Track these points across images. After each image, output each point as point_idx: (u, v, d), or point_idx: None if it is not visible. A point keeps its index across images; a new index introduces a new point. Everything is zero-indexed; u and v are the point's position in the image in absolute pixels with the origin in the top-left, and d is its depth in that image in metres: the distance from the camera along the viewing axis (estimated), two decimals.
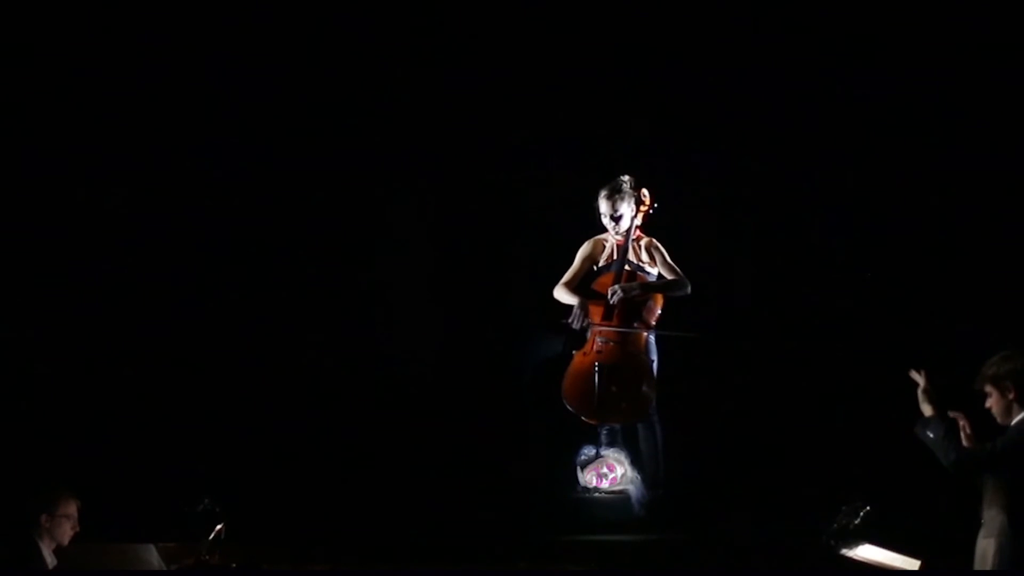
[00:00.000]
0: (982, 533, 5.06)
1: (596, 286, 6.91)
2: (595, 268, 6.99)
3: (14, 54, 7.51)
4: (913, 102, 7.58)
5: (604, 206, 6.90)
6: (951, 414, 5.17)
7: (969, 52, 7.49)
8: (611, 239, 6.98)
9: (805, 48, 7.63)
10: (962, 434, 5.15)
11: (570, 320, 6.82)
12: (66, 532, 5.69)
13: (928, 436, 5.12)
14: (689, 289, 6.84)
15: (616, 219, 6.89)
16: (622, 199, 6.87)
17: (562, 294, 6.94)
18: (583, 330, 6.85)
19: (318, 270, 7.71)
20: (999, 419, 5.06)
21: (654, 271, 6.92)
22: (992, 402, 5.08)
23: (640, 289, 6.82)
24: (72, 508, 5.70)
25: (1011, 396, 5.01)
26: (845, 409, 7.29)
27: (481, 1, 7.75)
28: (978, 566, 5.04)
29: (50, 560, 5.65)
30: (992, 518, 5.00)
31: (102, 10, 7.57)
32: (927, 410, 5.19)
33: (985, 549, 5.01)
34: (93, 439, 7.20)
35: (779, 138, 7.68)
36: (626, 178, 6.89)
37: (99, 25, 7.57)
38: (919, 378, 5.26)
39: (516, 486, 7.02)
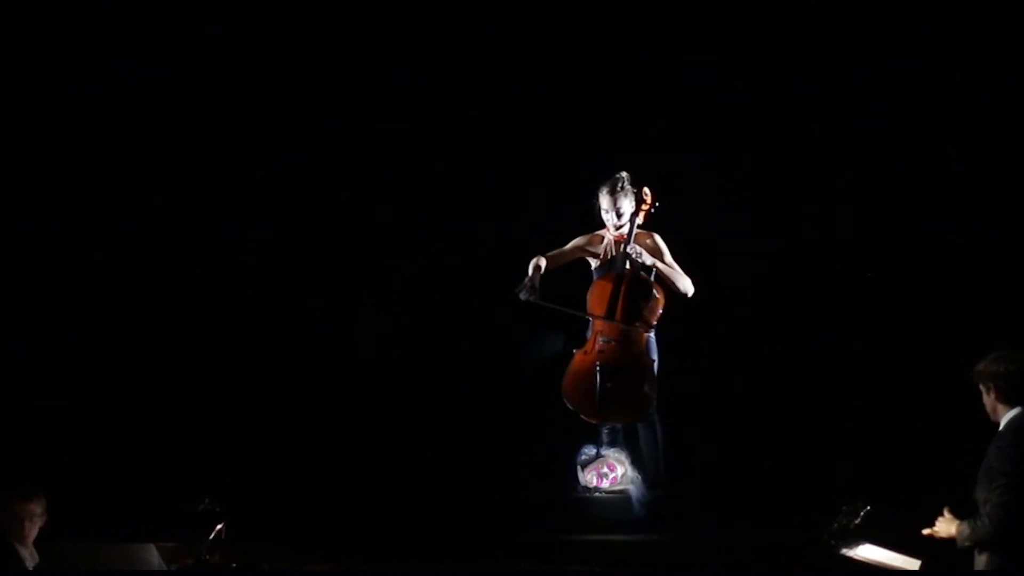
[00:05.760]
0: None
1: (596, 287, 6.87)
2: (591, 266, 6.97)
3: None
4: (913, 99, 7.58)
5: (605, 202, 6.87)
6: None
7: (973, 49, 7.50)
8: (608, 235, 6.98)
9: (806, 44, 7.63)
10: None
11: (517, 290, 6.70)
12: (36, 528, 5.68)
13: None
14: (692, 291, 6.82)
15: (616, 215, 6.87)
16: (624, 196, 6.85)
17: (532, 262, 6.79)
18: (525, 303, 6.70)
19: (317, 268, 7.72)
20: (990, 416, 5.07)
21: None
22: (984, 398, 5.09)
23: (651, 260, 6.79)
24: (40, 507, 5.69)
25: (993, 396, 5.03)
26: (845, 409, 7.28)
27: None
28: (977, 566, 5.03)
29: (30, 560, 5.65)
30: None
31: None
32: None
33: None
34: (94, 439, 7.22)
35: (778, 137, 7.68)
36: (625, 175, 6.87)
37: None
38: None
39: (516, 486, 7.02)
